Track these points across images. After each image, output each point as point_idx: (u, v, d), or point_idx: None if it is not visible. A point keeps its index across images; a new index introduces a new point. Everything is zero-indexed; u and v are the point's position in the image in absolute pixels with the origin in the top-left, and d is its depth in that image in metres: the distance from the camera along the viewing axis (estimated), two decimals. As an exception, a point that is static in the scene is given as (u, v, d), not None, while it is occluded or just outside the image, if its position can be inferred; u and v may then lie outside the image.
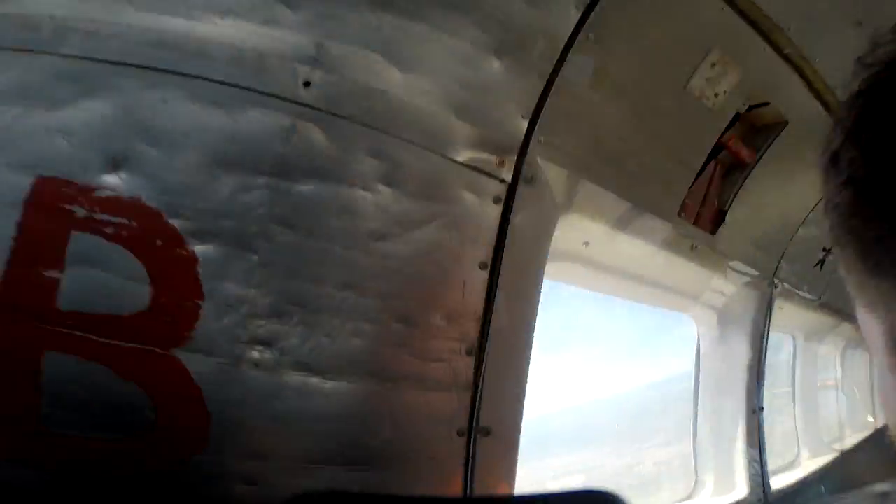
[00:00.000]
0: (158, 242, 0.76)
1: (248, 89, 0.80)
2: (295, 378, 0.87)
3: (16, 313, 0.73)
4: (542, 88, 1.07)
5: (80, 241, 0.73)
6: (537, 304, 1.19)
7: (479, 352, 1.05)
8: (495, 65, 1.02)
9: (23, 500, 0.77)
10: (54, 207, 0.73)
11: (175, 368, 0.79)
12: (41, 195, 0.73)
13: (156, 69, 0.78)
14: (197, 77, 0.79)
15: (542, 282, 1.20)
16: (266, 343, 0.84)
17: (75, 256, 0.73)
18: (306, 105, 0.83)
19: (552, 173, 1.15)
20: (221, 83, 0.80)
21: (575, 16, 1.07)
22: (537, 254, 1.18)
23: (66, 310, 0.74)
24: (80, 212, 0.73)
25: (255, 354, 0.83)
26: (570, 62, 1.09)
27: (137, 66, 0.77)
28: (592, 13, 1.08)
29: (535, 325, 1.19)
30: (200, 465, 0.83)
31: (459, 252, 1.03)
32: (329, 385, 0.90)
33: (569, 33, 1.08)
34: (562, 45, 1.08)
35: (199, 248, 0.78)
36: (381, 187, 0.90)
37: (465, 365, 1.03)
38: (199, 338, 0.80)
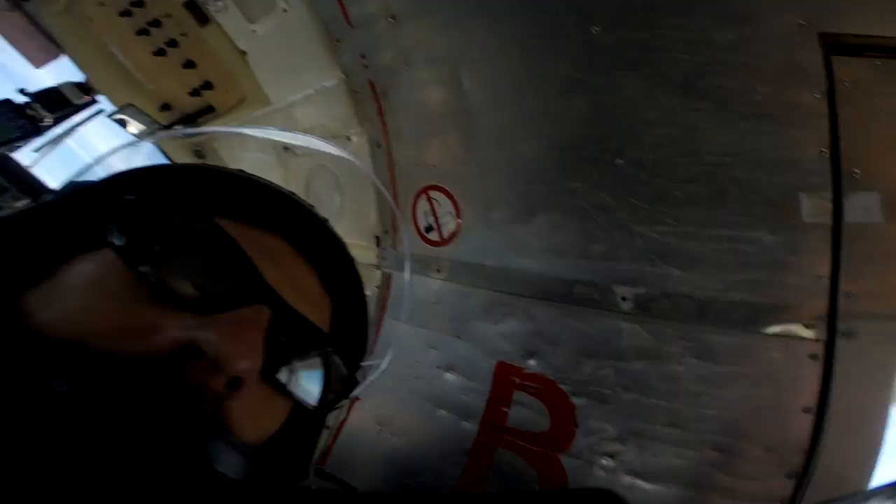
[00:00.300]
0: (555, 397, 1.38)
1: (595, 307, 1.34)
2: (626, 479, 1.31)
3: (491, 429, 1.47)
4: (830, 242, 1.10)
5: (517, 395, 1.42)
6: (881, 434, 1.16)
7: (802, 476, 1.13)
8: (768, 238, 1.14)
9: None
10: (506, 378, 1.44)
11: (557, 464, 1.37)
12: (500, 371, 1.46)
13: (535, 297, 1.42)
14: (563, 302, 1.38)
15: (887, 415, 1.15)
16: (611, 456, 1.32)
17: (515, 401, 1.43)
18: (627, 313, 1.30)
19: (876, 321, 1.10)
20: (577, 304, 1.36)
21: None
22: (877, 393, 1.14)
23: (510, 426, 1.44)
24: (517, 381, 1.43)
25: (603, 462, 1.33)
26: (849, 208, 1.07)
27: (529, 297, 1.42)
28: (841, 151, 1.06)
29: (878, 452, 1.16)
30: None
31: (777, 401, 1.17)
32: (650, 487, 1.29)
33: (828, 184, 1.07)
34: (829, 196, 1.08)
35: (576, 400, 1.36)
36: (693, 360, 1.24)
37: (783, 486, 1.15)
38: (573, 449, 1.36)
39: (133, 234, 0.45)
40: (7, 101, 2.21)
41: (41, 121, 2.28)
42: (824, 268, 1.11)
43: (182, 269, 0.45)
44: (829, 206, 1.08)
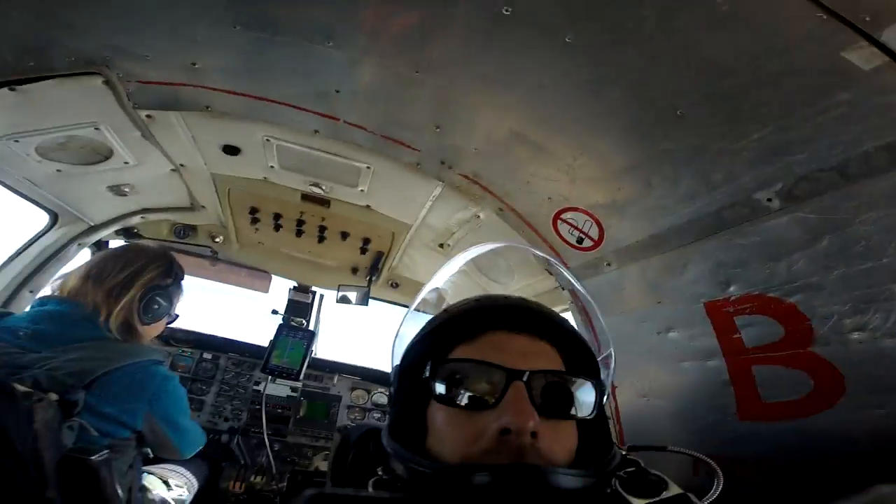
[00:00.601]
0: (772, 305, 1.47)
1: (751, 220, 1.45)
2: (889, 342, 1.28)
3: (736, 355, 1.63)
4: None
5: (738, 320, 1.57)
6: None
7: None
8: (846, 95, 1.17)
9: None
10: (719, 311, 1.61)
11: (814, 357, 1.42)
12: (710, 308, 1.63)
13: (698, 240, 1.58)
14: (723, 230, 1.52)
15: None
16: (860, 329, 1.33)
17: (740, 326, 1.58)
18: (781, 209, 1.38)
19: None
20: (735, 225, 1.49)
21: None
22: None
23: (749, 347, 1.58)
24: (730, 310, 1.59)
25: (855, 336, 1.34)
26: (891, 40, 1.06)
27: (693, 242, 1.59)
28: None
29: None
30: (846, 407, 1.39)
31: None
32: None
33: (855, 35, 1.07)
34: (865, 42, 1.07)
35: (792, 299, 1.43)
36: (870, 214, 1.22)
37: None
38: (819, 339, 1.40)
39: (442, 383, 0.83)
40: (283, 325, 3.20)
41: (301, 325, 3.24)
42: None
43: (473, 389, 0.81)
44: (873, 49, 1.09)
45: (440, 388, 0.84)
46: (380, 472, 0.83)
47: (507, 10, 1.34)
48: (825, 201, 1.32)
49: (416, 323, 1.07)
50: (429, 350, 0.93)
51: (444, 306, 1.07)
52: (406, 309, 1.19)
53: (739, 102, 1.33)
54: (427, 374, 0.87)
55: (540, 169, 1.84)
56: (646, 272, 1.79)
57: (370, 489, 0.80)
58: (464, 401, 0.82)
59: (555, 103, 1.61)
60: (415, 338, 0.98)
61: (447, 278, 1.29)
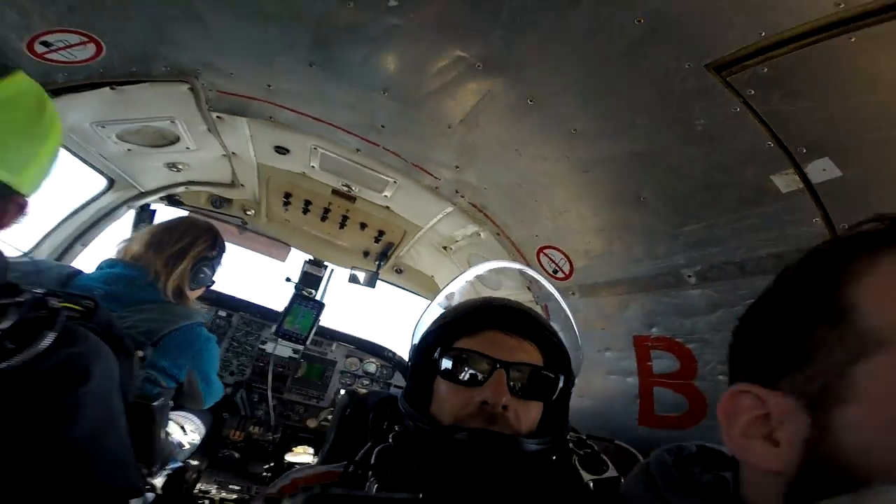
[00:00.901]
0: (676, 347, 2.08)
1: (675, 287, 2.05)
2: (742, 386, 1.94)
3: (647, 378, 2.27)
4: (812, 199, 1.37)
5: (653, 353, 2.18)
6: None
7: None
8: (766, 209, 1.50)
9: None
10: (642, 344, 2.22)
11: (693, 388, 2.04)
12: (637, 341, 2.24)
13: (639, 291, 2.17)
14: (656, 289, 2.11)
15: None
16: (726, 374, 1.96)
17: (654, 357, 2.19)
18: (695, 285, 1.94)
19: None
20: (663, 288, 2.09)
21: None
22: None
23: (656, 373, 2.20)
24: (649, 344, 2.19)
25: (720, 378, 1.93)
26: (812, 174, 1.32)
27: (637, 292, 2.18)
28: (781, 139, 1.30)
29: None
30: (706, 427, 2.01)
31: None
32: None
33: (789, 163, 1.33)
34: (793, 170, 1.33)
35: (690, 345, 2.02)
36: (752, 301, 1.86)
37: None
38: (699, 376, 2.01)
39: (447, 363, 1.05)
40: (298, 294, 3.55)
41: (310, 295, 3.63)
42: (816, 214, 1.39)
43: (470, 370, 1.03)
44: (795, 177, 1.37)
45: (446, 366, 1.06)
46: (396, 428, 1.06)
47: (531, 102, 1.78)
48: (724, 286, 1.82)
49: (431, 314, 1.32)
50: (441, 338, 1.13)
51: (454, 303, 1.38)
52: (405, 292, 1.55)
53: (687, 201, 1.71)
54: (437, 355, 1.10)
55: (534, 213, 2.33)
56: (599, 305, 2.36)
57: (390, 440, 1.02)
58: (462, 378, 1.04)
59: (554, 172, 2.07)
60: (430, 326, 1.19)
61: (463, 281, 1.70)
